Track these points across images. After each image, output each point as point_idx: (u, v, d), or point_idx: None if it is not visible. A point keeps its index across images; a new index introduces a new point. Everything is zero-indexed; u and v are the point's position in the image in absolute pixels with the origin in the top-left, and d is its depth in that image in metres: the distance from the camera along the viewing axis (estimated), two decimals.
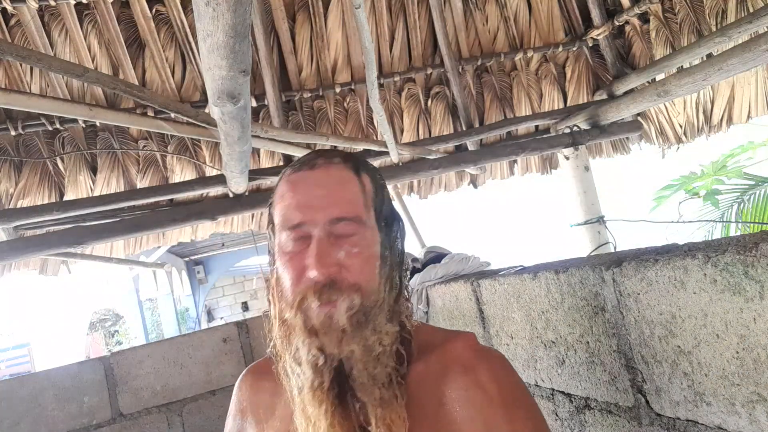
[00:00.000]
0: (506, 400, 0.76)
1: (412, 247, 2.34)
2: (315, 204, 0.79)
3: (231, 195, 2.51)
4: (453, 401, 0.77)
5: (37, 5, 2.22)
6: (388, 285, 0.82)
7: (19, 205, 2.38)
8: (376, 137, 2.74)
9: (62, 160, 2.46)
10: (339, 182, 0.81)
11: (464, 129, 2.82)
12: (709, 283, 0.75)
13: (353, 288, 0.77)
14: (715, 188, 5.21)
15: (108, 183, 2.49)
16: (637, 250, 0.97)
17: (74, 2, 2.29)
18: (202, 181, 2.55)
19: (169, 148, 2.56)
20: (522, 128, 2.96)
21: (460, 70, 2.83)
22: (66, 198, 2.44)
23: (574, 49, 2.94)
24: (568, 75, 2.97)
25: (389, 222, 0.87)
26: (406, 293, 0.88)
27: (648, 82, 2.70)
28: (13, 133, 2.36)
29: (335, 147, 2.65)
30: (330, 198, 0.79)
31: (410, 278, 1.95)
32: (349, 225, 0.79)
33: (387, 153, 2.56)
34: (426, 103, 2.84)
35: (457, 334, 0.86)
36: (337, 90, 2.72)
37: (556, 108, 2.94)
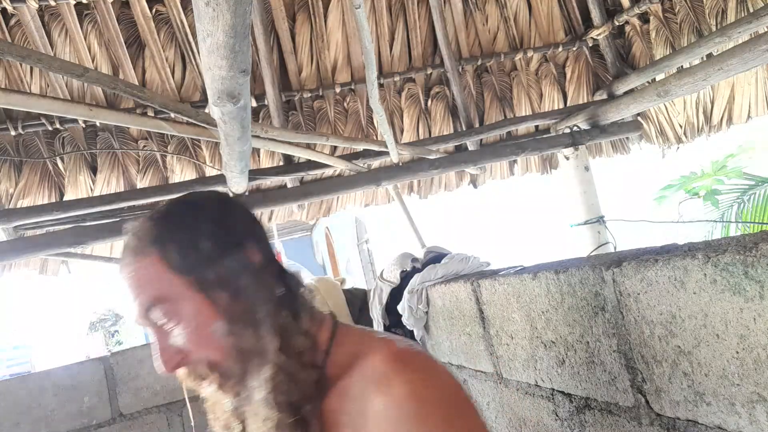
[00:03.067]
0: (425, 418, 0.70)
1: (412, 248, 2.34)
2: (132, 305, 0.80)
3: (231, 195, 2.51)
4: (372, 419, 0.73)
5: (37, 5, 2.22)
6: (247, 336, 0.77)
7: (19, 205, 2.38)
8: (376, 137, 2.74)
9: (62, 160, 2.46)
10: (132, 278, 0.80)
11: (464, 129, 2.82)
12: (709, 283, 0.75)
13: (204, 366, 0.79)
14: (715, 188, 5.21)
15: (108, 183, 2.49)
16: (637, 250, 0.97)
17: (74, 2, 2.29)
18: (202, 181, 2.55)
19: (169, 148, 2.56)
20: (522, 128, 2.96)
21: (460, 70, 2.83)
22: (66, 198, 2.44)
23: (574, 49, 2.94)
24: (568, 75, 2.97)
25: (218, 265, 0.79)
26: (290, 322, 0.81)
27: (648, 82, 2.69)
28: (13, 133, 2.36)
29: (335, 147, 2.66)
30: (135, 300, 0.79)
31: (402, 278, 1.95)
32: (158, 317, 0.78)
33: (387, 153, 2.56)
34: (426, 103, 2.84)
35: (378, 342, 0.80)
36: (337, 90, 2.72)
37: (556, 108, 2.94)
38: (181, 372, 0.80)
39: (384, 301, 2.06)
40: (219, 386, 0.79)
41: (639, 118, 2.97)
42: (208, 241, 0.80)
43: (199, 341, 0.77)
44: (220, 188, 2.54)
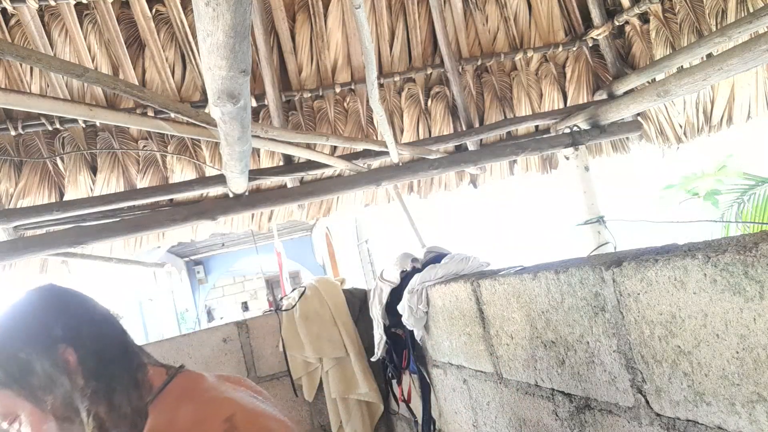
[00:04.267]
0: None
1: (412, 248, 2.34)
2: None
3: (231, 195, 2.51)
4: None
5: (37, 5, 2.22)
6: (74, 430, 0.90)
7: (19, 205, 2.38)
8: (376, 137, 2.74)
9: (62, 160, 2.46)
10: None
11: (464, 129, 2.81)
12: (709, 283, 0.75)
13: None
14: (715, 188, 5.21)
15: (108, 183, 2.49)
16: (637, 250, 0.97)
17: (74, 2, 2.29)
18: (202, 181, 2.55)
19: (169, 148, 2.56)
20: (522, 128, 2.96)
21: (460, 70, 2.83)
22: (66, 198, 2.44)
23: (574, 49, 2.94)
24: (568, 75, 2.97)
25: (34, 373, 0.90)
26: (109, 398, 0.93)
27: (648, 82, 2.69)
28: (13, 133, 2.36)
29: (335, 147, 2.66)
30: None
31: (402, 278, 1.95)
32: (5, 420, 0.91)
33: (387, 153, 2.56)
34: (426, 103, 2.84)
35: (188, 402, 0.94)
36: (337, 90, 2.72)
37: (556, 108, 2.94)
38: None
39: (384, 301, 2.06)
40: None
41: (639, 118, 2.96)
42: (22, 352, 0.91)
43: None
44: (220, 188, 2.55)
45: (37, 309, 0.96)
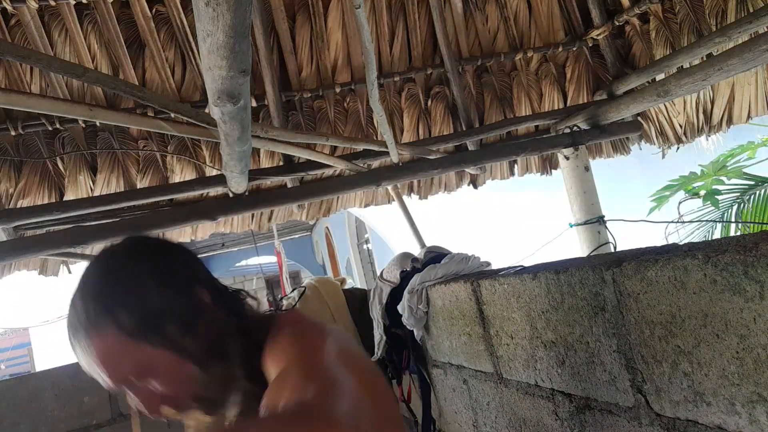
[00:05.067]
0: (297, 358, 0.79)
1: (412, 247, 2.34)
2: (103, 378, 0.82)
3: (231, 195, 2.51)
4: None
5: (37, 5, 2.22)
6: (217, 367, 0.85)
7: (19, 205, 2.38)
8: (376, 137, 2.74)
9: (62, 160, 2.45)
10: (95, 357, 0.80)
11: (464, 129, 2.81)
12: (709, 283, 0.75)
13: (186, 405, 0.86)
14: (715, 188, 5.20)
15: (108, 183, 2.49)
16: (637, 250, 0.97)
17: (74, 2, 2.29)
18: (202, 181, 2.55)
19: (169, 148, 2.56)
20: (522, 128, 2.96)
21: (460, 70, 2.83)
22: (66, 198, 2.44)
23: (574, 49, 2.94)
24: (568, 75, 2.97)
25: (174, 317, 0.83)
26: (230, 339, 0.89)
27: (648, 82, 2.69)
28: (13, 133, 2.36)
29: (335, 147, 2.65)
30: (106, 375, 0.81)
31: (402, 278, 1.95)
32: (133, 382, 0.82)
33: (387, 153, 2.56)
34: (426, 103, 2.84)
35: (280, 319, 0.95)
36: (337, 90, 2.72)
37: (556, 108, 2.94)
38: (168, 411, 0.85)
39: (384, 301, 2.06)
40: (203, 413, 0.87)
41: (639, 118, 2.96)
42: (156, 297, 0.82)
43: (177, 386, 0.84)
44: (220, 188, 2.55)
45: (158, 253, 0.90)
